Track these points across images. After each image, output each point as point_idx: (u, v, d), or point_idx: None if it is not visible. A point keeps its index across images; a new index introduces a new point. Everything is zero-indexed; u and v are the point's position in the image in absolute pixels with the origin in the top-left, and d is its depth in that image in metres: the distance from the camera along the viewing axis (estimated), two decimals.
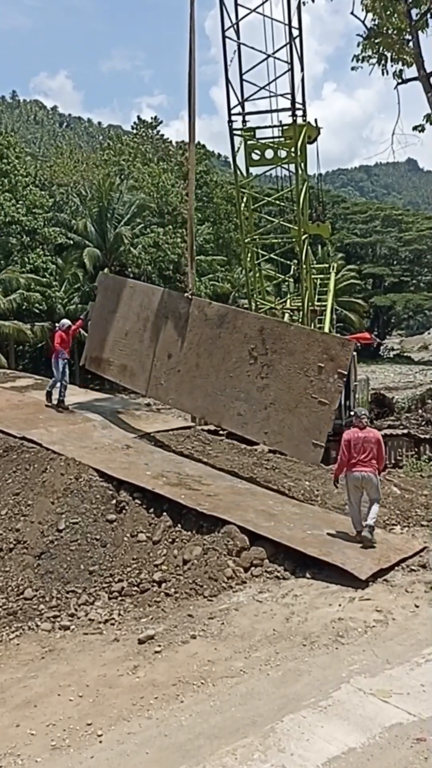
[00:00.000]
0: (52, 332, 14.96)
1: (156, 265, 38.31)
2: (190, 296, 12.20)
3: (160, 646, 6.25)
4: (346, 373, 10.36)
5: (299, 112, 16.59)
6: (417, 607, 6.86)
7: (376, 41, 20.31)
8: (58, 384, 13.26)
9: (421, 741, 4.69)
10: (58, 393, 13.28)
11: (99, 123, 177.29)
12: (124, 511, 8.86)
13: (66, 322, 14.45)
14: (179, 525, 8.54)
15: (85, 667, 6.02)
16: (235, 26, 13.79)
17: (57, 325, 14.75)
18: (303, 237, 18.95)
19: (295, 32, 15.69)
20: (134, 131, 58.93)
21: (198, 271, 42.30)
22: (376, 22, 20.52)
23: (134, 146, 49.29)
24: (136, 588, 7.68)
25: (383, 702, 5.18)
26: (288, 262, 25.00)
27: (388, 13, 20.22)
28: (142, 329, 12.59)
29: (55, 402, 13.22)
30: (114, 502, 9.02)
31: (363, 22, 20.54)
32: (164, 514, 8.73)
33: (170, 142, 61.59)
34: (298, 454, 10.45)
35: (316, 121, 19.03)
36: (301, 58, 16.24)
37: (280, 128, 17.68)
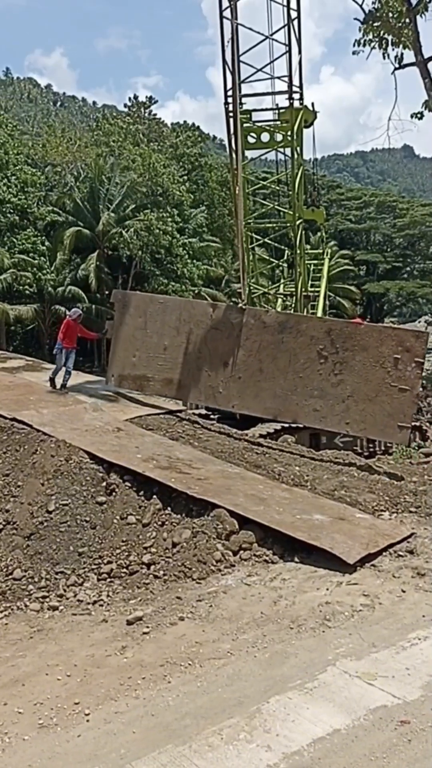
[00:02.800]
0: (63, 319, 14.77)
1: (148, 248, 38.02)
2: (243, 306, 12.75)
3: (148, 627, 6.29)
4: (423, 361, 10.98)
5: (296, 96, 16.47)
6: (404, 592, 6.93)
7: (376, 24, 20.15)
8: (64, 372, 13.32)
9: (405, 723, 4.75)
10: (62, 378, 13.33)
11: (94, 102, 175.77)
12: (114, 494, 8.88)
13: (77, 310, 14.44)
14: (169, 508, 8.57)
15: (73, 647, 6.05)
16: (233, 6, 13.61)
17: (69, 312, 14.68)
18: (298, 222, 18.89)
19: (293, 14, 15.54)
20: (127, 110, 58.18)
21: (190, 254, 42.12)
22: (375, 6, 20.33)
23: (124, 126, 48.64)
24: (125, 570, 7.71)
25: (368, 685, 5.24)
26: (282, 247, 24.94)
27: None
28: (185, 342, 12.82)
29: (58, 386, 13.27)
30: (104, 484, 9.03)
31: (361, 6, 20.37)
32: (154, 497, 8.75)
33: (164, 123, 60.95)
34: (386, 436, 11.34)
35: (313, 105, 18.91)
36: (298, 41, 16.10)
37: (276, 111, 17.57)
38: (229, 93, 15.68)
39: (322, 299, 23.51)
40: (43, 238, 38.43)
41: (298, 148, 17.99)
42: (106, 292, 41.90)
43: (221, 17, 14.15)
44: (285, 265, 25.77)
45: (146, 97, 58.20)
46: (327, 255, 29.43)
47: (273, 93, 16.83)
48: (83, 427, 11.00)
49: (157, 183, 39.64)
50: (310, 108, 18.63)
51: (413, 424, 11.71)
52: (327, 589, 6.98)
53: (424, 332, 11.43)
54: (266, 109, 17.87)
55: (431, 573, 7.35)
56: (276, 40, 15.39)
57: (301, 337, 11.69)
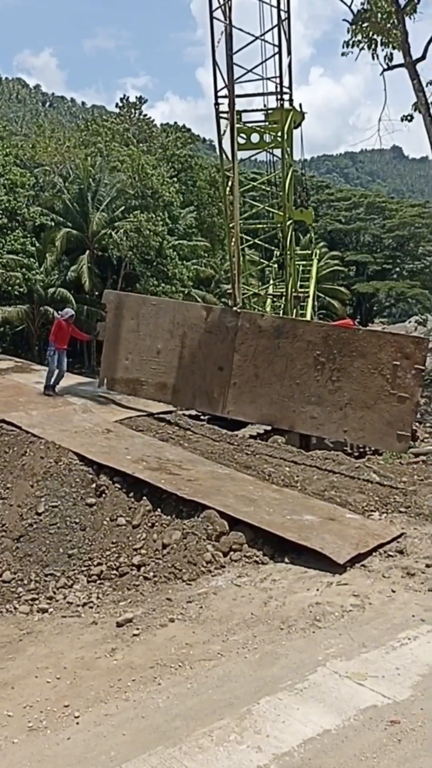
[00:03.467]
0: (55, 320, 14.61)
1: (138, 250, 37.92)
2: (238, 310, 12.51)
3: (138, 629, 6.27)
4: (423, 368, 10.75)
5: (285, 97, 16.48)
6: (393, 592, 6.94)
7: (364, 25, 20.23)
8: (55, 373, 13.26)
9: (395, 723, 4.76)
10: (51, 380, 13.25)
11: (83, 103, 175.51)
12: (103, 495, 8.86)
13: (69, 311, 14.31)
14: (159, 509, 8.56)
15: (62, 650, 6.02)
16: (223, 7, 13.61)
17: (60, 312, 14.56)
18: (288, 223, 18.93)
19: (283, 15, 15.53)
20: (118, 110, 57.97)
21: (180, 255, 42.05)
22: (364, 7, 20.42)
23: (111, 127, 48.44)
24: (114, 571, 7.70)
25: (358, 685, 5.25)
26: (272, 248, 24.98)
27: None
28: (180, 346, 12.63)
29: (56, 390, 13.21)
30: (94, 486, 9.01)
31: (349, 7, 20.47)
32: (144, 498, 8.74)
33: (154, 123, 60.83)
34: (385, 445, 11.05)
35: (300, 105, 18.95)
36: (288, 42, 16.10)
37: (265, 112, 17.61)
38: (220, 93, 15.67)
39: (311, 300, 23.57)
40: (33, 239, 38.26)
41: (288, 149, 18.02)
42: (96, 294, 41.83)
43: (211, 18, 14.12)
44: (274, 266, 25.79)
45: (136, 97, 58.04)
46: (316, 256, 29.54)
47: (263, 94, 16.82)
48: (73, 428, 10.97)
49: (146, 185, 39.55)
50: (298, 109, 18.67)
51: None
52: (317, 590, 6.99)
53: (424, 338, 11.15)
54: (256, 110, 17.92)
55: (421, 573, 7.38)
56: (266, 41, 15.38)
57: (298, 342, 11.50)
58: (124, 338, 13.28)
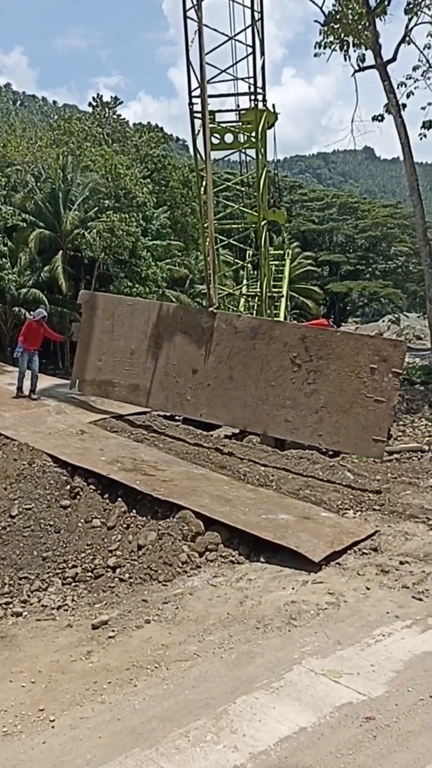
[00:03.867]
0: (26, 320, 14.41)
1: (112, 250, 37.69)
2: (214, 310, 12.21)
3: (113, 631, 6.24)
4: (400, 372, 10.56)
5: (259, 97, 16.52)
6: (368, 589, 7.00)
7: (336, 26, 20.37)
8: (27, 374, 13.12)
9: (370, 720, 4.80)
10: (22, 381, 13.12)
11: (54, 102, 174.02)
12: (78, 497, 8.80)
13: (41, 311, 14.09)
14: (134, 510, 8.53)
15: (37, 653, 5.97)
16: (196, 6, 13.60)
17: (32, 313, 14.39)
18: (263, 223, 19.00)
19: (257, 15, 15.59)
20: (91, 110, 57.44)
21: (154, 255, 41.91)
22: (336, 8, 20.56)
23: (83, 128, 48.03)
24: (90, 574, 7.65)
25: (334, 682, 5.28)
26: (245, 248, 25.06)
27: None
28: (154, 346, 12.35)
29: (27, 393, 13.09)
30: (68, 487, 8.95)
31: (321, 8, 20.61)
32: (119, 499, 8.70)
33: (128, 123, 60.53)
34: (359, 451, 10.72)
35: (273, 106, 19.01)
36: (262, 42, 16.15)
37: (237, 113, 17.63)
38: (194, 93, 15.68)
39: (285, 300, 23.70)
40: (5, 239, 37.90)
41: (262, 150, 18.07)
42: (70, 294, 41.53)
43: (185, 17, 14.11)
44: (248, 266, 25.85)
45: (111, 97, 57.53)
46: (288, 256, 29.71)
47: (238, 94, 16.84)
48: (46, 430, 10.89)
49: (119, 185, 39.34)
50: (271, 109, 18.73)
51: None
52: (293, 588, 7.02)
53: (402, 341, 11.01)
54: (230, 110, 17.90)
55: (395, 570, 7.45)
56: (240, 41, 15.42)
57: (274, 344, 11.27)
58: (98, 339, 13.02)
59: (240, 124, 17.91)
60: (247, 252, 24.74)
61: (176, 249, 46.17)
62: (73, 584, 7.50)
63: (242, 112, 17.52)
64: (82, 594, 7.28)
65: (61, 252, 38.59)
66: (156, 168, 49.55)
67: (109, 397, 12.86)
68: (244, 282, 25.04)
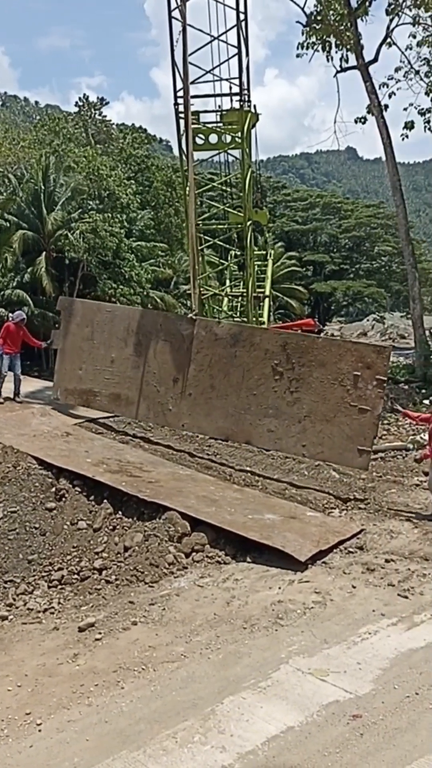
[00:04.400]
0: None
1: (95, 251, 37.50)
2: (193, 317, 11.89)
3: (100, 633, 6.22)
4: (385, 379, 10.29)
5: (244, 98, 16.50)
6: (354, 588, 7.03)
7: (318, 27, 20.43)
8: (10, 376, 12.98)
9: (357, 717, 4.82)
10: (14, 387, 12.98)
11: (36, 102, 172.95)
12: (63, 499, 8.77)
13: (20, 314, 13.92)
14: (120, 512, 8.51)
15: (23, 657, 5.94)
16: (181, 7, 13.59)
17: (11, 315, 14.22)
18: (248, 223, 19.03)
19: (241, 16, 15.58)
20: (77, 110, 56.96)
21: (138, 256, 41.79)
22: (317, 8, 20.62)
23: (66, 129, 47.67)
24: (76, 576, 7.61)
25: (321, 681, 5.30)
26: (230, 248, 25.05)
27: None
28: (134, 355, 11.98)
29: (13, 397, 12.95)
30: (53, 490, 8.91)
31: (302, 9, 20.68)
32: (105, 501, 8.68)
33: (113, 124, 60.12)
34: (344, 461, 10.28)
35: (255, 107, 19.00)
36: (246, 43, 16.13)
37: (220, 113, 17.60)
38: (179, 94, 15.66)
39: (268, 300, 23.79)
40: None
41: (248, 150, 18.07)
42: (53, 295, 41.29)
43: (170, 17, 14.12)
44: (231, 266, 25.82)
45: (97, 97, 57.11)
46: (270, 256, 29.79)
47: (224, 95, 16.77)
48: (31, 432, 10.83)
49: (102, 186, 39.16)
50: (253, 110, 18.74)
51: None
52: (279, 588, 7.04)
53: (386, 347, 10.65)
54: (213, 111, 17.82)
55: (380, 568, 7.50)
56: (225, 41, 15.38)
57: (255, 351, 10.91)
58: (78, 347, 12.66)
59: (221, 125, 17.87)
60: (230, 253, 24.72)
61: (160, 250, 46.07)
62: (59, 587, 7.47)
63: (224, 112, 17.46)
64: (69, 596, 7.25)
65: (44, 253, 38.38)
66: (139, 169, 49.39)
67: (90, 407, 12.48)
68: (228, 282, 25.03)
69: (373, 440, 10.00)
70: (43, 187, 40.27)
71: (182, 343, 11.58)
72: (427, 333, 20.73)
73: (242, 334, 11.22)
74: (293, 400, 10.53)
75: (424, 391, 17.74)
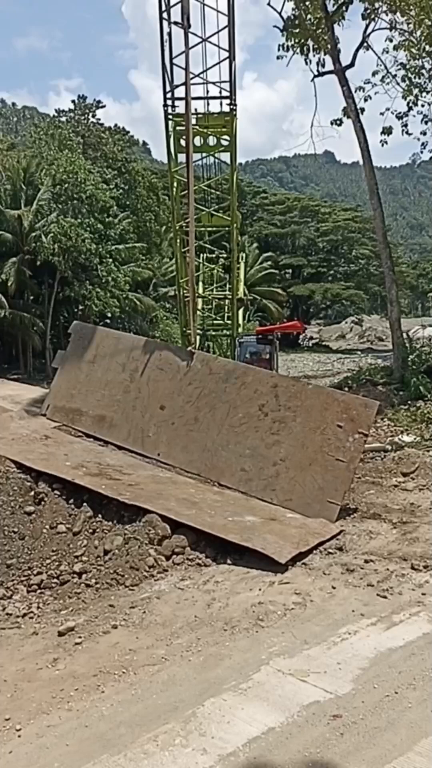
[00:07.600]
0: None
1: (69, 255, 37.27)
2: (192, 350, 11.96)
3: (80, 637, 6.19)
4: (367, 433, 10.18)
5: (228, 101, 16.53)
6: (334, 588, 7.07)
7: (295, 31, 20.52)
8: None
9: (337, 717, 4.84)
10: None
11: (13, 104, 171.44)
12: (42, 503, 8.71)
13: None
14: (100, 515, 8.47)
15: (2, 662, 5.88)
16: (168, 10, 13.61)
17: None
18: (235, 225, 19.13)
19: (228, 20, 15.56)
20: (71, 113, 56.17)
21: (118, 260, 41.68)
22: (295, 13, 20.72)
23: (62, 133, 47.27)
24: (55, 580, 7.57)
25: (301, 681, 5.32)
26: (216, 251, 25.10)
27: (306, 3, 20.43)
28: (128, 380, 12.00)
29: None
30: (32, 493, 8.86)
31: (279, 13, 20.78)
32: (84, 504, 8.64)
33: (107, 128, 59.23)
34: (310, 512, 9.71)
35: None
36: (232, 47, 16.13)
37: (196, 116, 17.59)
38: (169, 95, 15.69)
39: (241, 302, 24.08)
40: None
41: (234, 153, 18.10)
42: (31, 298, 41.04)
43: (161, 19, 14.12)
44: (221, 269, 25.78)
45: (94, 100, 56.36)
46: (243, 259, 29.97)
47: (214, 98, 16.75)
48: (9, 435, 10.75)
49: (80, 189, 38.99)
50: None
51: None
52: (259, 590, 7.05)
53: (374, 402, 10.47)
54: (203, 114, 17.75)
55: (360, 569, 7.55)
56: (214, 44, 15.34)
57: (245, 390, 10.86)
58: (78, 368, 12.69)
59: (197, 127, 17.85)
60: (204, 255, 24.66)
61: (140, 252, 46.00)
62: (39, 591, 7.43)
63: (214, 115, 17.40)
64: (48, 601, 7.21)
65: (20, 255, 38.17)
66: (120, 172, 49.22)
67: (74, 425, 12.23)
68: (213, 285, 25.03)
69: (344, 495, 9.72)
70: (24, 187, 40.08)
71: (177, 373, 11.59)
72: (404, 336, 20.88)
73: (236, 372, 11.18)
74: (272, 442, 10.35)
75: (401, 393, 17.86)
